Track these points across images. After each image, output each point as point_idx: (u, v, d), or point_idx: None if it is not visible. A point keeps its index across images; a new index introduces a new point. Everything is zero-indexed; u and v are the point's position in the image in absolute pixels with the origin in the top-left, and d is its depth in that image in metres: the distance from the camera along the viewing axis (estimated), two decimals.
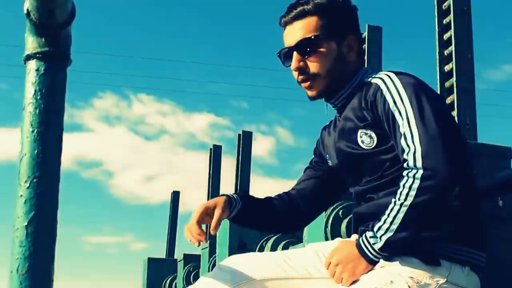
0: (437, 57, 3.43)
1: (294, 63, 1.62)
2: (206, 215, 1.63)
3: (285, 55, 1.66)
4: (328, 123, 1.85)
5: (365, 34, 4.56)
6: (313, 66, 1.62)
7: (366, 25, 4.58)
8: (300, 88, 1.68)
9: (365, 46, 4.54)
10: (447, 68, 3.38)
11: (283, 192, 1.84)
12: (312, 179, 1.84)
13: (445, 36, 3.44)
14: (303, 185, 1.84)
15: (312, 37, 1.60)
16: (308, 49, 1.61)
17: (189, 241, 1.61)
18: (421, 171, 1.38)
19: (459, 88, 3.21)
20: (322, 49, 1.61)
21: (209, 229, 1.61)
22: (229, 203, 1.67)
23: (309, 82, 1.63)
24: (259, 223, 1.82)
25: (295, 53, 1.62)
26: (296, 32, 1.63)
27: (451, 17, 3.38)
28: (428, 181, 1.37)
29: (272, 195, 1.83)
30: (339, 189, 1.85)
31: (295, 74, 1.65)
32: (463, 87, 3.22)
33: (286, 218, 1.81)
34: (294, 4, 1.66)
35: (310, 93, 1.66)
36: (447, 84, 3.34)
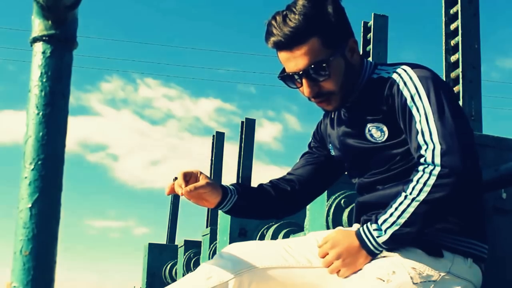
0: (443, 47, 3.41)
1: (307, 90, 1.53)
2: (195, 178, 1.62)
3: (292, 80, 1.56)
4: None
5: (371, 23, 4.54)
6: (326, 87, 1.54)
7: (372, 13, 4.55)
8: None
9: (371, 35, 4.52)
10: (453, 58, 3.36)
11: (277, 179, 1.83)
12: (310, 166, 1.83)
13: (452, 26, 3.41)
14: (301, 172, 1.83)
15: (323, 63, 1.49)
16: (319, 73, 1.51)
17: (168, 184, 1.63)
18: (438, 168, 1.37)
19: (465, 79, 3.19)
20: (332, 69, 1.51)
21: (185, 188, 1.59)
22: (224, 192, 1.67)
23: (325, 102, 1.58)
24: (252, 214, 1.83)
25: (305, 80, 1.52)
26: (299, 58, 1.50)
27: (458, 7, 3.35)
28: (446, 179, 1.36)
29: (266, 182, 1.82)
30: (337, 175, 1.87)
31: (307, 96, 1.57)
32: (469, 78, 3.20)
33: (280, 205, 1.81)
34: (281, 21, 1.50)
35: (328, 107, 1.61)
36: (452, 74, 3.32)
